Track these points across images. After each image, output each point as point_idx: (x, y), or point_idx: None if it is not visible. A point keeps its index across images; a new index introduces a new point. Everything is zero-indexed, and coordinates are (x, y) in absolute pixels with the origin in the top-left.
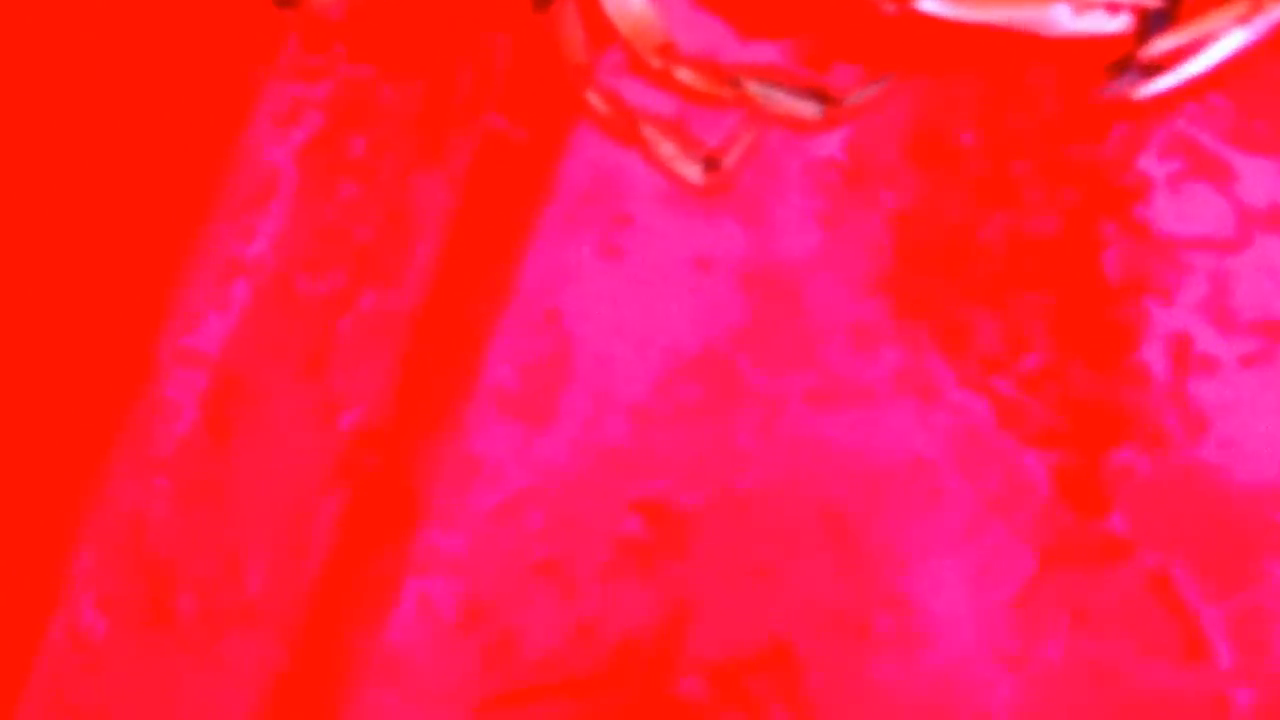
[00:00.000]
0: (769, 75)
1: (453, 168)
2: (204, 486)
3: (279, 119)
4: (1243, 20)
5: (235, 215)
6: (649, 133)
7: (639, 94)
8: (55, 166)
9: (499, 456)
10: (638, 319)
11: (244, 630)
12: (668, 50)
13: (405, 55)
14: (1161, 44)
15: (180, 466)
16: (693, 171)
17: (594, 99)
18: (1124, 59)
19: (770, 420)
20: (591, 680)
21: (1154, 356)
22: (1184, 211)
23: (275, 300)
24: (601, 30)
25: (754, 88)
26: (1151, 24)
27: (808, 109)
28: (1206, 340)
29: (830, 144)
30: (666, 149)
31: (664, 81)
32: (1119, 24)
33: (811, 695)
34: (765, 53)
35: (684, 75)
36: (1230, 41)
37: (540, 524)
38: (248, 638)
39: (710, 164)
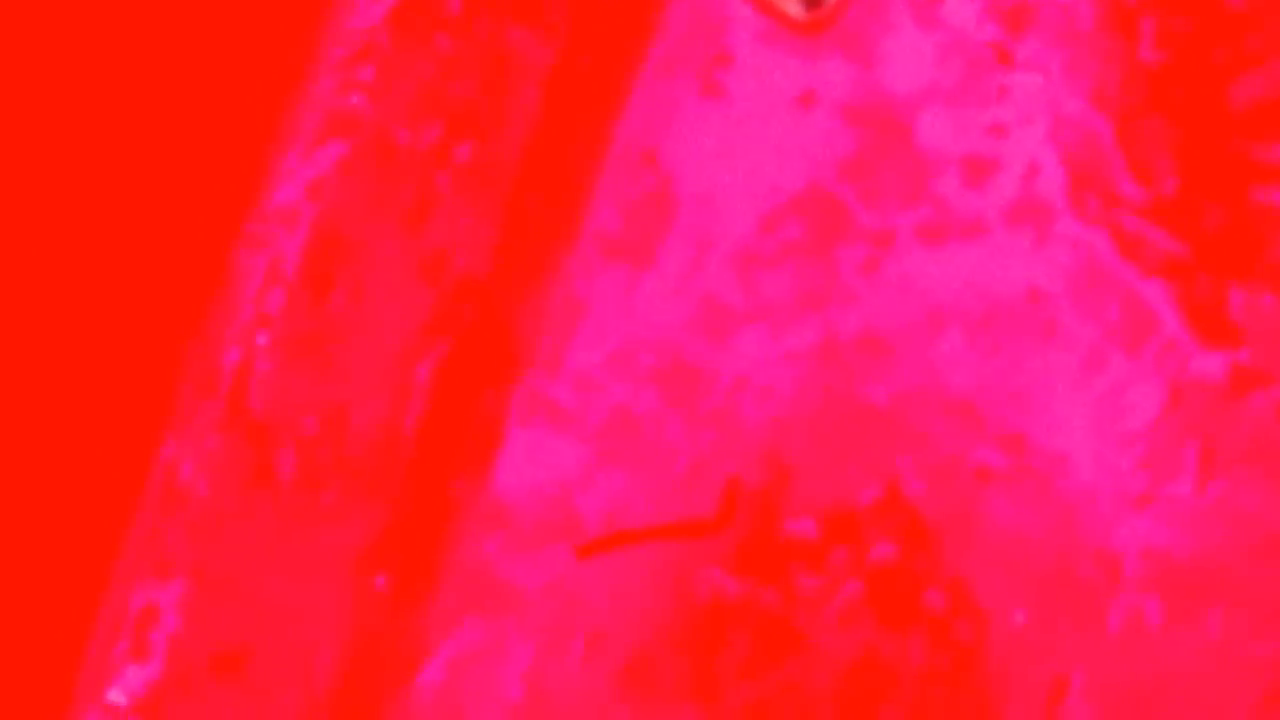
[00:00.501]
0: None
1: (551, 12)
2: (305, 342)
3: None
4: None
5: (330, 73)
6: None
7: None
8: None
9: (603, 302)
10: (741, 158)
11: (346, 486)
12: None
13: None
14: None
15: (280, 323)
16: (795, 7)
17: None
18: None
19: (878, 258)
20: (698, 524)
21: None
22: None
23: (373, 155)
24: None
25: None
26: None
27: None
28: None
29: None
30: None
31: None
32: None
33: (926, 537)
34: None
35: None
36: None
37: (645, 369)
38: (350, 494)
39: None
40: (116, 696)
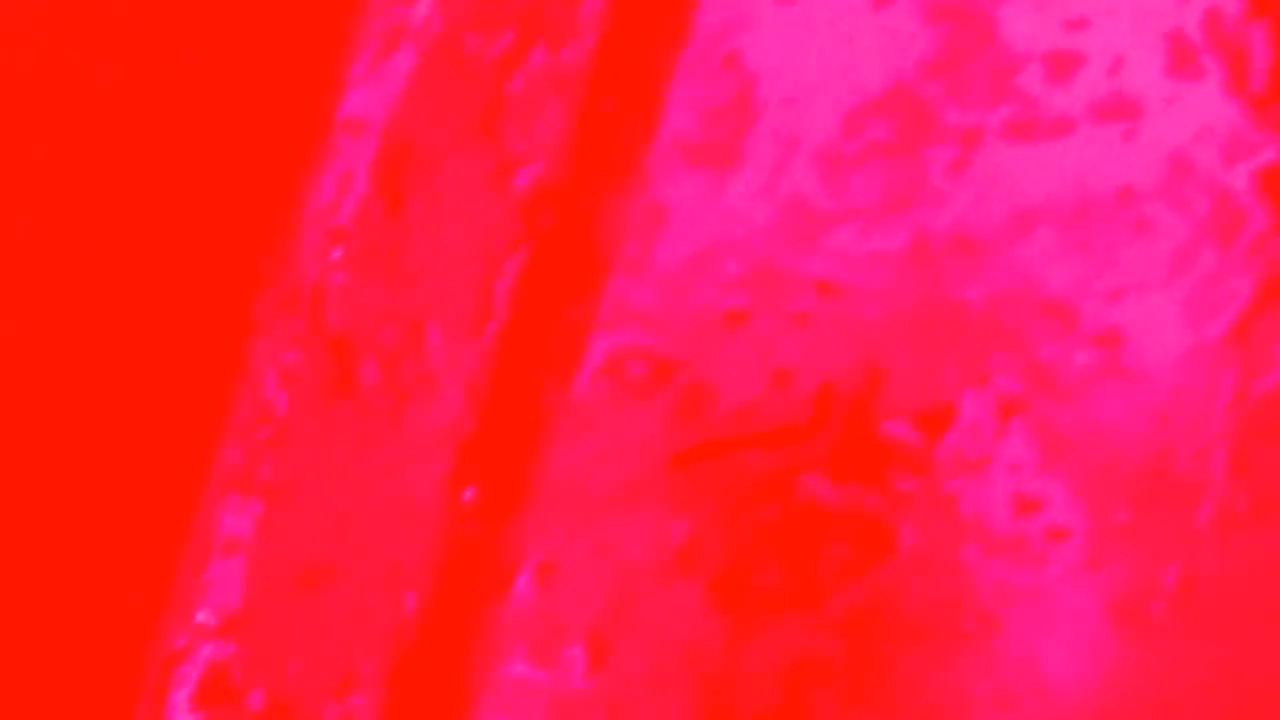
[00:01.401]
0: None
1: None
2: (381, 255)
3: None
4: None
5: None
6: None
7: None
8: None
9: (685, 206)
10: (820, 58)
11: (428, 397)
12: None
13: None
14: None
15: (355, 236)
16: None
17: None
18: None
19: (965, 156)
20: (789, 428)
21: None
22: None
23: (442, 63)
24: None
25: None
26: None
27: None
28: None
29: None
30: None
31: None
32: None
33: (1020, 435)
34: None
35: None
36: None
37: (731, 274)
38: (432, 405)
39: None
40: (205, 617)
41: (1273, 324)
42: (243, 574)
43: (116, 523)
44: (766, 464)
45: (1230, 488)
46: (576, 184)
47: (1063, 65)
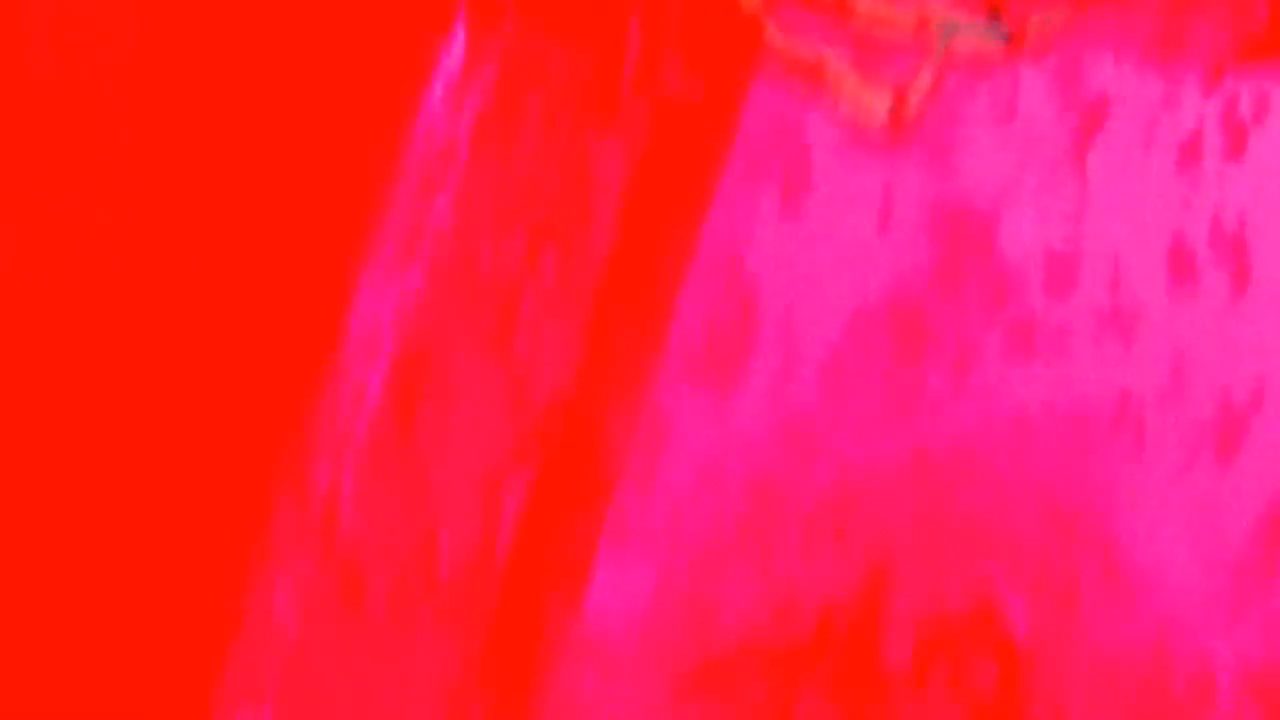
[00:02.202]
0: (950, 10)
1: (629, 127)
2: (392, 464)
3: (452, 89)
4: None
5: (411, 191)
6: (832, 69)
7: (816, 33)
8: (226, 155)
9: (688, 421)
10: (823, 269)
11: (437, 612)
12: None
13: (576, 11)
14: None
15: (367, 445)
16: (878, 111)
17: (773, 33)
18: None
19: (965, 369)
20: (794, 649)
21: None
22: None
23: (455, 270)
24: None
25: (935, 23)
26: None
27: (993, 39)
28: None
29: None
30: (849, 89)
31: (841, 18)
32: None
33: (1023, 652)
34: None
35: (863, 7)
36: None
37: (734, 489)
38: (441, 620)
39: (895, 103)
40: None
41: (1275, 538)
42: None
43: None
44: (768, 686)
45: (1234, 710)
46: (584, 396)
47: (1063, 276)
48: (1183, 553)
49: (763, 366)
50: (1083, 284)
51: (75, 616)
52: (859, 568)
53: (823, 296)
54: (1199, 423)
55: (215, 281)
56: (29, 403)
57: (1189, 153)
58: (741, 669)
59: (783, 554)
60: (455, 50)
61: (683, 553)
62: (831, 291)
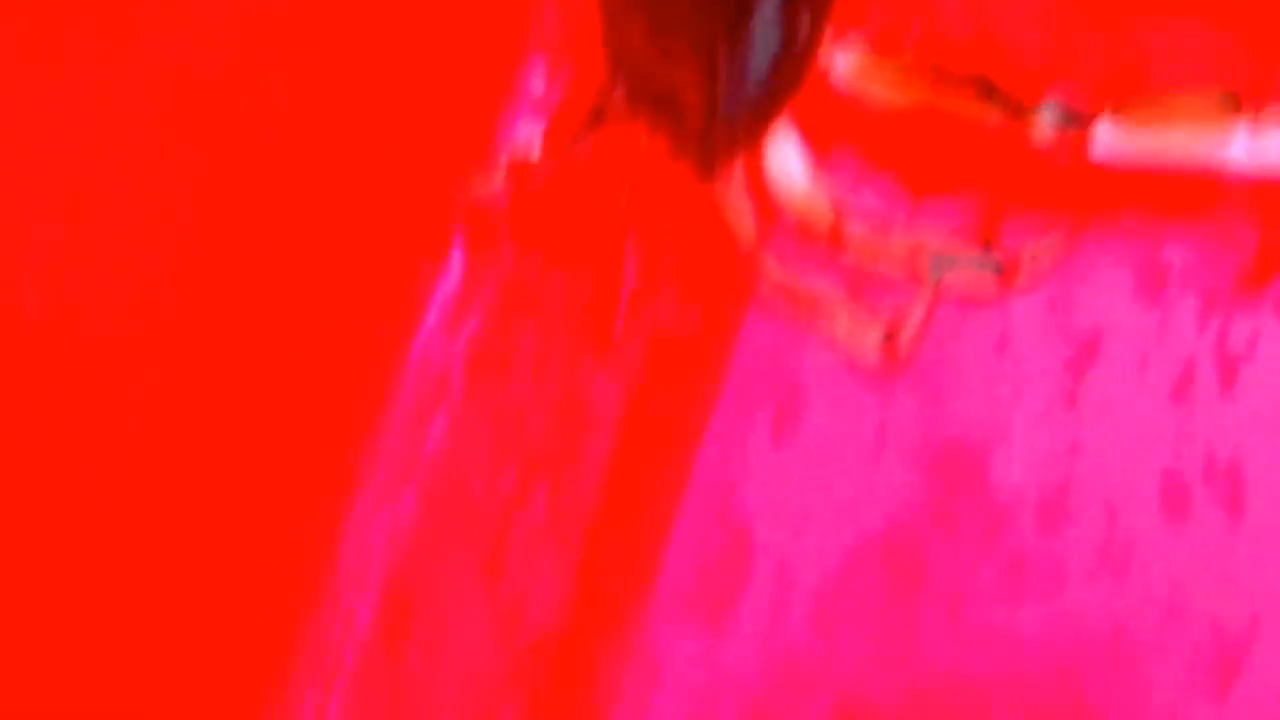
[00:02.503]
0: (943, 243)
1: (624, 358)
2: (379, 694)
3: (448, 314)
4: None
5: (405, 416)
6: (822, 306)
7: (809, 268)
8: (225, 374)
9: (682, 656)
10: (815, 505)
11: None
12: (837, 222)
13: (572, 242)
14: None
15: (355, 674)
16: (871, 344)
17: (765, 275)
18: None
19: (958, 607)
20: None
21: None
22: None
23: (447, 499)
24: (769, 205)
25: (928, 257)
26: None
27: (984, 276)
28: None
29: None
30: (843, 322)
31: (834, 255)
32: None
33: None
34: (937, 219)
35: (854, 246)
36: None
37: None
38: None
39: (888, 334)
40: None
41: None
42: None
43: None
44: None
45: None
46: (575, 632)
47: (1056, 509)
48: None
49: (755, 601)
50: (1076, 517)
51: None
52: None
53: (816, 530)
54: (1195, 656)
55: (210, 508)
56: None
57: (1182, 386)
58: None
59: None
60: (451, 276)
61: None
62: (825, 525)
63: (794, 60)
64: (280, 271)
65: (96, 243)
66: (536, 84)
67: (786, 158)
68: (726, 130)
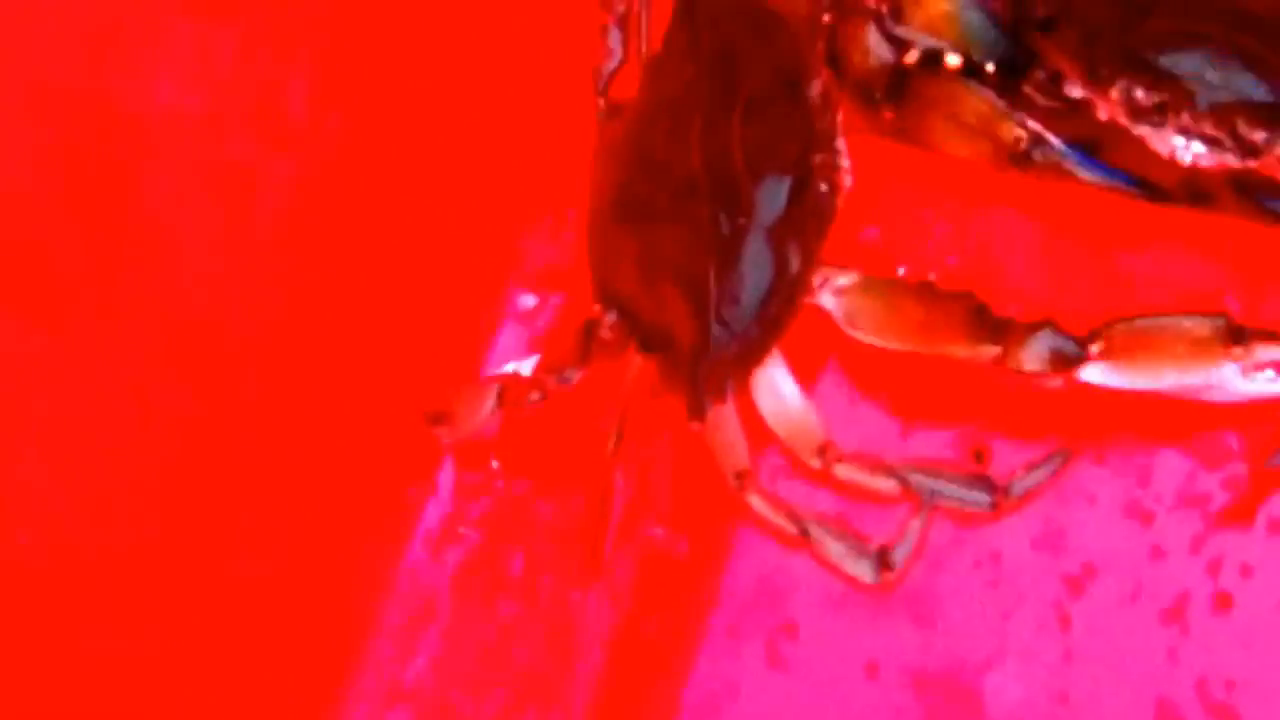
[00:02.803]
0: (933, 467)
1: (614, 582)
2: None
3: (436, 539)
4: None
5: (393, 639)
6: (816, 533)
7: (801, 494)
8: (227, 607)
9: None
10: None
11: None
12: (828, 449)
13: (562, 469)
14: None
15: None
16: (864, 570)
17: (756, 503)
18: None
19: None
20: None
21: None
22: None
23: None
24: (760, 432)
25: (919, 481)
26: None
27: (976, 498)
28: None
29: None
30: (835, 548)
31: (826, 480)
32: None
33: None
34: (929, 442)
35: (846, 473)
36: None
37: None
38: None
39: (881, 561)
40: None
41: None
42: None
43: None
44: None
45: None
46: None
47: None
48: None
49: None
50: None
51: None
52: None
53: None
54: None
55: None
56: None
57: (1176, 609)
58: None
59: None
60: (441, 498)
61: None
62: None
63: (784, 294)
64: (270, 490)
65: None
66: (527, 303)
67: (777, 386)
68: (717, 368)
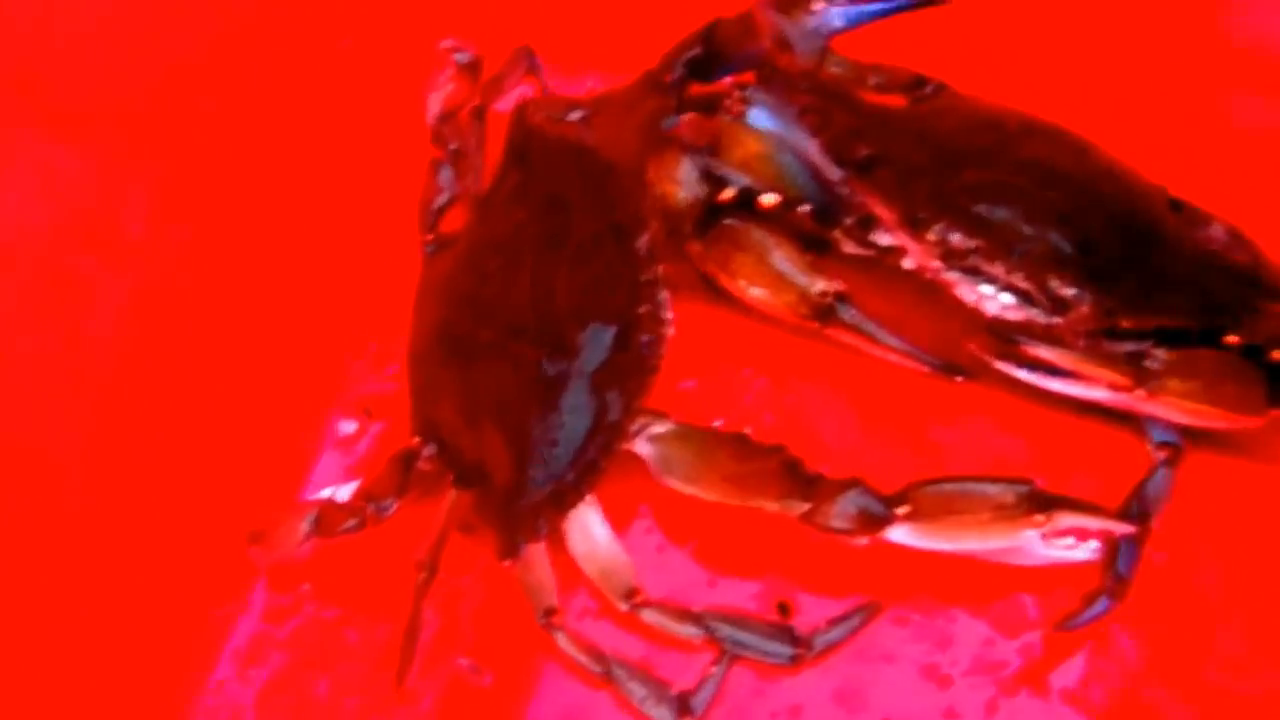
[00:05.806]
0: (737, 617)
1: (418, 710)
2: None
3: (243, 657)
4: None
5: None
6: (619, 674)
7: (607, 635)
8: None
9: None
10: None
11: None
12: (636, 593)
13: (372, 596)
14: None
15: None
16: (663, 714)
17: (562, 641)
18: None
19: None
20: None
21: None
22: None
23: None
24: (571, 572)
25: (723, 630)
26: (1119, 550)
27: (778, 650)
28: None
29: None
30: (637, 691)
31: (632, 623)
32: (1088, 552)
33: None
34: (735, 592)
35: (651, 617)
36: None
37: None
38: None
39: (681, 706)
40: None
41: None
42: None
43: None
44: None
45: None
46: None
47: None
48: None
49: None
50: None
51: None
52: None
53: None
54: None
55: None
56: None
57: None
58: None
59: None
60: (250, 619)
61: None
62: None
63: (602, 440)
64: (86, 597)
65: None
66: (348, 429)
67: (589, 529)
68: (531, 508)
